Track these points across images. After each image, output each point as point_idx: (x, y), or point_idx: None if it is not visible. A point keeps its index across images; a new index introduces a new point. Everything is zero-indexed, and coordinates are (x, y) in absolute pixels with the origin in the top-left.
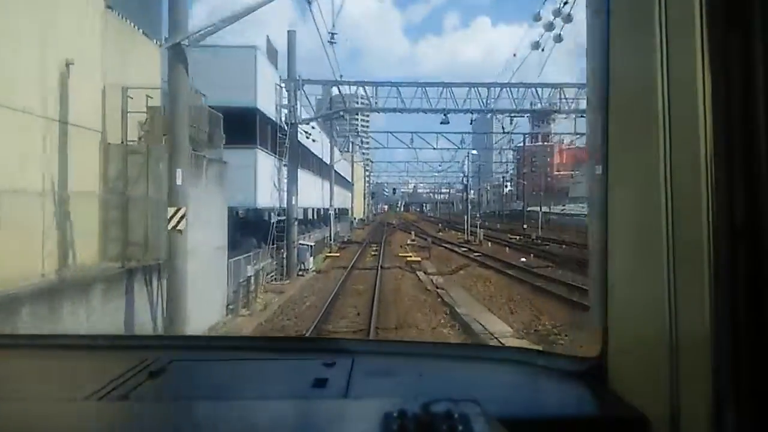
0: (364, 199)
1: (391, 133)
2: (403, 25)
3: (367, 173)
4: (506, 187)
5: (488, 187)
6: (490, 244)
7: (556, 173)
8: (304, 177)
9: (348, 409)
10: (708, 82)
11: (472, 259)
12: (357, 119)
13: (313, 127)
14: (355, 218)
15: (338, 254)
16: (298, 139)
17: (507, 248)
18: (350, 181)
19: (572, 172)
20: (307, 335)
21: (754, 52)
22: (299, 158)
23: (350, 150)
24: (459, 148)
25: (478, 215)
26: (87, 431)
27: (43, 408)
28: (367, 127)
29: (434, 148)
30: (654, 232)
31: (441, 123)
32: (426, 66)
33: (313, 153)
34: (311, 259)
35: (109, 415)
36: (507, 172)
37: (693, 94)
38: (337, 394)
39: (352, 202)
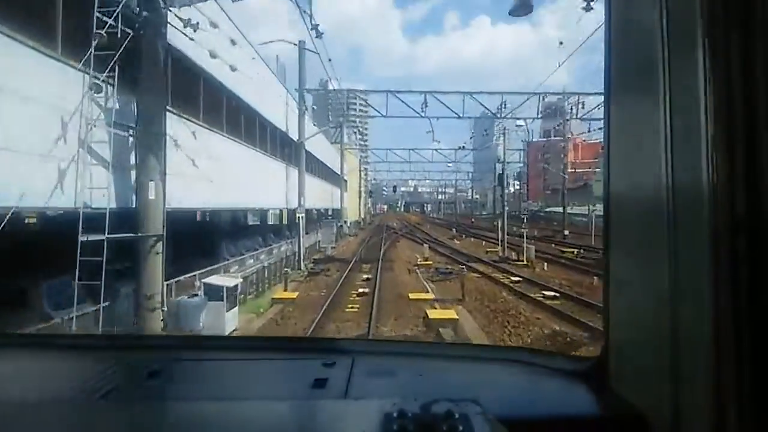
0: (360, 197)
1: (395, 94)
2: (402, 25)
3: (364, 167)
4: (513, 185)
5: (493, 186)
6: (546, 265)
7: (576, 171)
8: (230, 148)
9: (348, 410)
10: (708, 82)
11: (551, 310)
12: (355, 103)
13: (234, 43)
14: (346, 221)
15: (296, 295)
16: (172, 41)
17: (593, 277)
18: (338, 173)
19: (594, 170)
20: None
21: (754, 52)
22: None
23: (340, 128)
24: (496, 115)
25: (481, 215)
26: (87, 431)
27: (42, 408)
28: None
29: (458, 117)
30: (654, 231)
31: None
32: (425, 65)
33: (254, 110)
34: (228, 317)
35: (109, 415)
36: (523, 164)
37: (693, 95)
38: (336, 395)
39: (341, 200)
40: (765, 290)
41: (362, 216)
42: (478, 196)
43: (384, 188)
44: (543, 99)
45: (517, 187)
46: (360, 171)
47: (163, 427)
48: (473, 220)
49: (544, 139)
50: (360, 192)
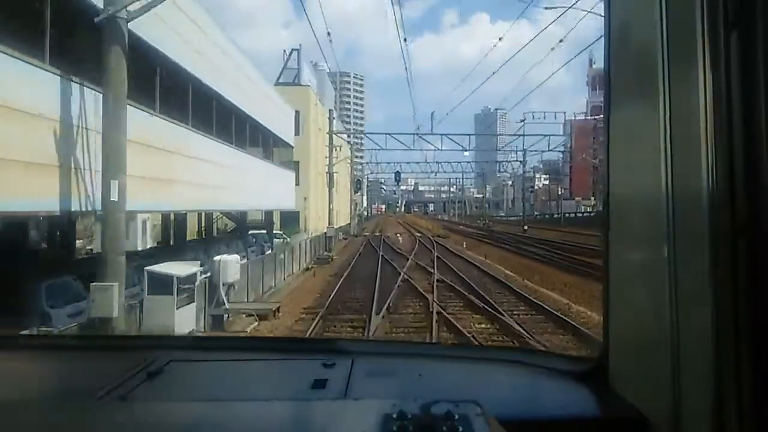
0: (332, 187)
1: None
2: (401, 24)
3: (355, 141)
4: (540, 180)
5: (510, 183)
6: None
7: None
8: None
9: (347, 410)
10: (708, 82)
11: None
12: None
13: None
14: (275, 240)
15: None
16: None
17: None
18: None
19: None
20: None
21: (754, 52)
22: None
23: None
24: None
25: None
26: (87, 431)
27: (42, 408)
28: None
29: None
30: (654, 231)
31: None
32: (423, 63)
33: None
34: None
35: (108, 415)
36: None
37: (693, 96)
38: (336, 395)
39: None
40: (765, 291)
41: (347, 221)
42: (484, 195)
43: (383, 184)
44: (592, 65)
45: (545, 182)
46: (330, 131)
47: (162, 427)
48: (526, 227)
49: (592, 119)
50: (330, 177)
